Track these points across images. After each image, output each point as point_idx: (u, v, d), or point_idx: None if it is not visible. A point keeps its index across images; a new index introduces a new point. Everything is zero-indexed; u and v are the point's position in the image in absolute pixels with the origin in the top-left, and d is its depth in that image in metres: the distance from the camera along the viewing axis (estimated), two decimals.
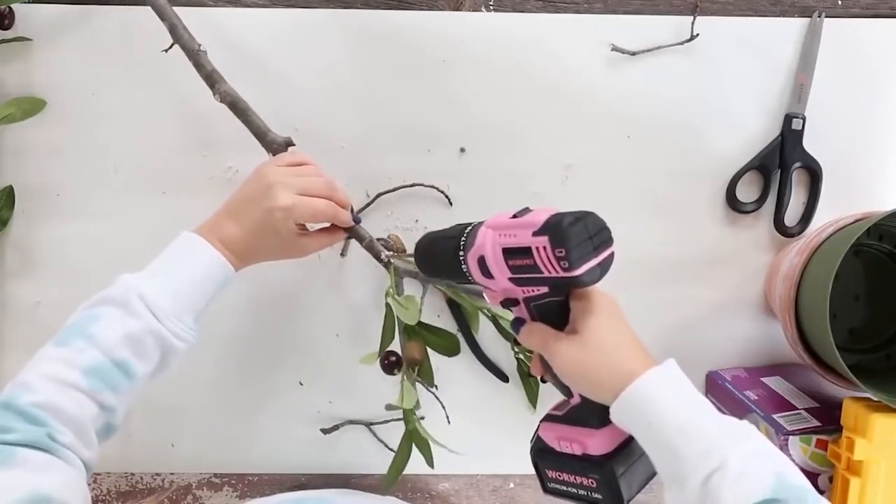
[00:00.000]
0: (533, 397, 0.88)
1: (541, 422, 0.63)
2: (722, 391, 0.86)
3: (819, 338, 0.77)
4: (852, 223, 0.78)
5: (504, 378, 0.89)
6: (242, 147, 0.79)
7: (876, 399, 0.73)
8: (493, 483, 0.91)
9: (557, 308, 0.60)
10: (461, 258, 0.62)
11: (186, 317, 0.66)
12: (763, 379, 0.86)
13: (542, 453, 0.62)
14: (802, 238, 0.85)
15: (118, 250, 0.86)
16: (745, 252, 0.88)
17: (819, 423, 0.78)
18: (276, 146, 0.76)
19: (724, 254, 0.88)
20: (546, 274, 0.56)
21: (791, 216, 0.88)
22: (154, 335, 0.63)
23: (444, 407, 0.84)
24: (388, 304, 0.77)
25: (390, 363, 0.80)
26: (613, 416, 0.56)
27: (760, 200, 0.87)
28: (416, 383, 0.78)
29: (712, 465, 0.50)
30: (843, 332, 0.86)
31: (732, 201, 0.87)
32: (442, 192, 0.88)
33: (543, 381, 0.65)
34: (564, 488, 0.61)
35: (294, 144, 0.77)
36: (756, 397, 0.82)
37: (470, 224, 0.63)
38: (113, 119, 0.87)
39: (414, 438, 0.78)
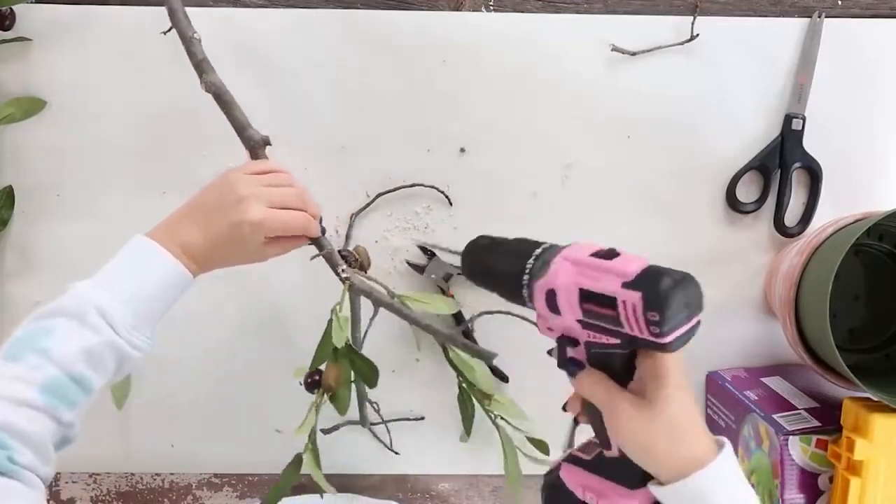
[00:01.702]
0: (468, 426, 0.84)
1: (563, 461, 0.59)
2: (722, 391, 0.86)
3: (819, 338, 0.77)
4: (852, 223, 0.78)
5: (504, 378, 0.89)
6: (242, 148, 0.79)
7: (876, 399, 0.73)
8: (493, 483, 0.91)
9: (621, 360, 0.55)
10: (525, 282, 0.55)
11: (144, 327, 0.63)
12: (763, 379, 0.86)
13: (558, 496, 0.58)
14: (802, 238, 0.85)
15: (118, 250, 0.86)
16: (745, 252, 0.88)
17: (819, 423, 0.78)
18: (253, 143, 0.73)
19: (724, 254, 0.88)
20: (628, 331, 0.51)
21: (791, 216, 0.88)
22: (112, 348, 0.60)
23: (391, 444, 0.85)
24: (330, 321, 0.74)
25: (312, 382, 0.77)
26: (660, 494, 0.53)
27: (760, 200, 0.87)
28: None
29: None
30: (843, 332, 0.86)
31: (732, 201, 0.87)
32: (442, 192, 0.88)
33: (576, 421, 0.60)
34: None
35: (271, 144, 0.74)
36: (756, 397, 0.82)
37: (540, 245, 0.57)
38: (113, 119, 0.87)
39: (310, 463, 0.75)
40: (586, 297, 0.52)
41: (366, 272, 0.81)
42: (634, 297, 0.49)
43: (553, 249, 0.56)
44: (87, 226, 0.88)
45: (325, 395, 0.76)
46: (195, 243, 0.66)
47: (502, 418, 0.81)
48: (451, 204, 0.88)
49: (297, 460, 0.75)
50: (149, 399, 0.89)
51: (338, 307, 0.73)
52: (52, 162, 0.87)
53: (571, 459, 0.59)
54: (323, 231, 0.73)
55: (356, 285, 0.74)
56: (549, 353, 0.59)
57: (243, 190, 0.66)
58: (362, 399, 0.85)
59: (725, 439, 0.53)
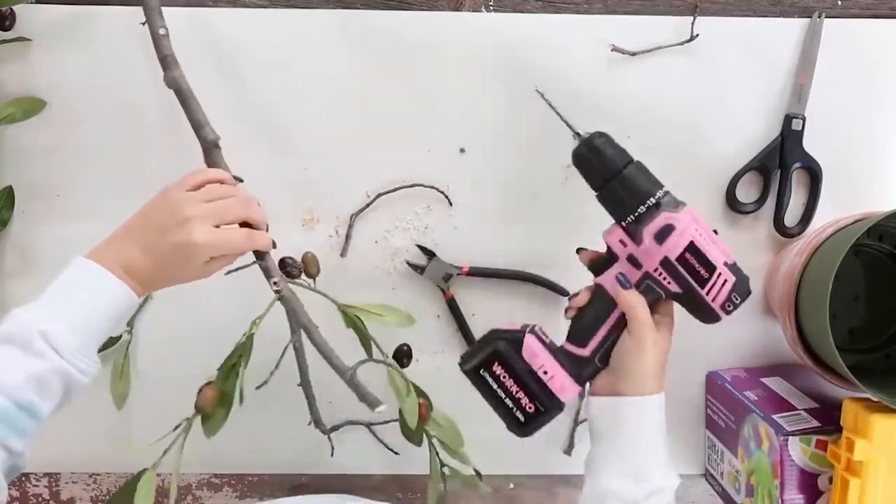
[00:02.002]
0: (417, 438, 0.81)
1: (529, 332, 0.67)
2: (722, 391, 0.86)
3: (819, 338, 0.77)
4: (852, 223, 0.78)
5: None
6: (243, 148, 0.79)
7: (876, 399, 0.73)
8: (493, 483, 0.91)
9: (655, 300, 0.67)
10: (649, 204, 0.65)
11: (90, 350, 0.62)
12: (763, 379, 0.86)
13: (510, 355, 0.66)
14: (802, 238, 0.85)
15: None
16: (745, 252, 0.88)
17: (819, 424, 0.78)
18: (205, 144, 0.74)
19: None
20: (703, 293, 0.65)
21: (791, 216, 0.88)
22: (58, 373, 0.59)
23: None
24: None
25: None
26: (604, 402, 0.66)
27: (760, 201, 0.87)
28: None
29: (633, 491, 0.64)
30: (843, 332, 0.86)
31: (732, 201, 0.87)
32: (442, 192, 0.88)
33: (567, 311, 0.69)
34: (495, 387, 0.67)
35: (220, 147, 0.74)
36: (756, 397, 0.82)
37: (664, 186, 0.67)
38: (113, 119, 0.87)
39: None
40: (692, 250, 0.64)
41: (314, 279, 0.78)
42: (731, 278, 0.65)
43: (677, 198, 0.67)
44: (87, 226, 0.86)
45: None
46: (139, 264, 0.65)
47: (440, 440, 0.79)
48: (451, 204, 0.88)
49: (142, 475, 0.71)
50: (149, 399, 0.89)
51: (257, 321, 0.71)
52: (52, 162, 0.87)
53: (537, 338, 0.67)
54: (273, 244, 0.72)
55: (286, 297, 0.71)
56: (578, 251, 0.70)
57: (187, 211, 0.65)
58: (312, 402, 0.83)
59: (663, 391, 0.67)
